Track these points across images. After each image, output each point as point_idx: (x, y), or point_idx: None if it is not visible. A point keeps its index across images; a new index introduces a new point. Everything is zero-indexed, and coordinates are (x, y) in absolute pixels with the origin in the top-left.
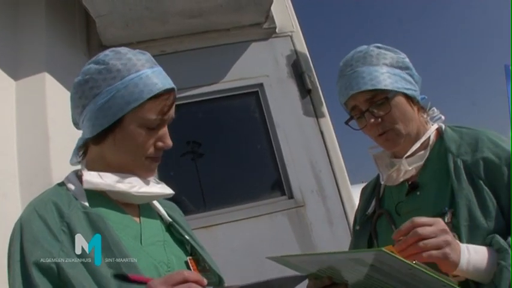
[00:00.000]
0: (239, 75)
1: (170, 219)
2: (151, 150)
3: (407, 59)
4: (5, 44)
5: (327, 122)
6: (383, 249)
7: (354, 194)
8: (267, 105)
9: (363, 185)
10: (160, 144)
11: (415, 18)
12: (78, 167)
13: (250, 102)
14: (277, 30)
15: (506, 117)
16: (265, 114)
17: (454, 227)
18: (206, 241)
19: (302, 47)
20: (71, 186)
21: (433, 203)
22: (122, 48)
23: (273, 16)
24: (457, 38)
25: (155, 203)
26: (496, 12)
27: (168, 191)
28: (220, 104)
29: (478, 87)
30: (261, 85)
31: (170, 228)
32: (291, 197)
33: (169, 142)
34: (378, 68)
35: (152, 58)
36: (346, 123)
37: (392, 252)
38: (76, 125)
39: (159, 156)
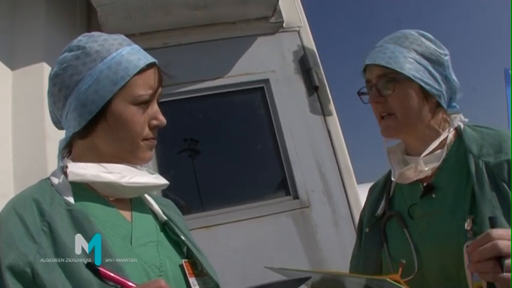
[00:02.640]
0: (244, 70)
1: (165, 217)
2: (146, 130)
3: (446, 57)
4: (2, 33)
5: (334, 121)
6: (387, 278)
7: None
8: (272, 102)
9: (363, 185)
10: (154, 122)
11: (414, 19)
12: None
13: (256, 98)
14: (284, 24)
15: (504, 120)
16: (271, 111)
17: (475, 235)
18: (207, 241)
19: (310, 42)
20: (55, 181)
21: (451, 207)
22: (94, 32)
23: (280, 10)
24: (456, 39)
25: (149, 199)
26: (496, 14)
27: (162, 181)
28: (224, 100)
29: (477, 90)
30: (267, 81)
31: (165, 227)
32: (296, 197)
33: (163, 119)
34: (404, 50)
35: (126, 38)
36: (359, 94)
37: (397, 282)
38: (57, 123)
39: (155, 137)
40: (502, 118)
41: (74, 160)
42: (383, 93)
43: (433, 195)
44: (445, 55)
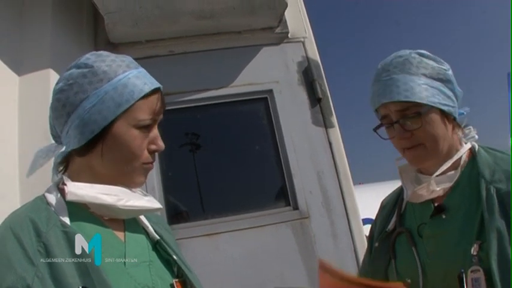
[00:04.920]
0: (249, 80)
1: (157, 237)
2: (145, 154)
3: (450, 72)
4: (9, 39)
5: (335, 133)
6: None
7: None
8: (275, 113)
9: (359, 187)
10: (153, 147)
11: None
12: None
13: (259, 108)
14: (289, 35)
15: (505, 124)
16: (274, 121)
17: (481, 261)
18: (207, 249)
19: (314, 53)
20: (51, 200)
21: (459, 230)
22: (103, 51)
23: (285, 21)
24: (455, 42)
25: (142, 217)
26: (495, 17)
27: (156, 205)
28: (228, 109)
29: (475, 93)
30: (270, 91)
31: (157, 246)
32: (296, 208)
33: (161, 144)
34: (415, 78)
35: (134, 61)
36: (375, 130)
37: None
38: (56, 138)
39: (153, 161)
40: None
41: (71, 177)
42: (409, 128)
43: (443, 216)
44: (448, 70)
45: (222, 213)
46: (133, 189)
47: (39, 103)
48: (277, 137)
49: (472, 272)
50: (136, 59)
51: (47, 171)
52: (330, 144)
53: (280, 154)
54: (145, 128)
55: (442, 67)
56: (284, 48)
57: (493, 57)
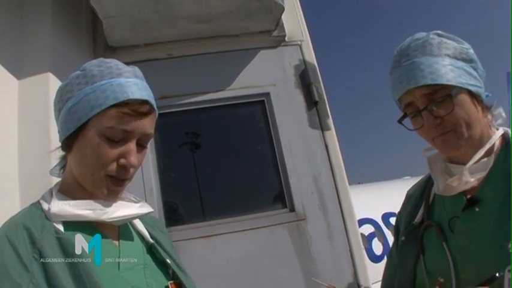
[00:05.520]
0: (246, 83)
1: (152, 241)
2: (112, 166)
3: (471, 50)
4: (8, 43)
5: (332, 135)
6: None
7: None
8: (272, 116)
9: (358, 186)
10: (122, 160)
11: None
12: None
13: (256, 111)
14: (286, 38)
15: (506, 124)
16: (270, 124)
17: None
18: (204, 251)
19: (311, 57)
20: (45, 206)
21: (494, 224)
22: (111, 59)
23: (283, 24)
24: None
25: (137, 221)
26: (495, 17)
27: (146, 210)
28: (225, 112)
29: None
30: (267, 94)
31: (152, 249)
32: (292, 210)
33: (132, 160)
34: (439, 59)
35: (139, 72)
36: (400, 121)
37: None
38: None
39: (123, 177)
40: None
41: (63, 180)
42: (438, 114)
43: (476, 209)
44: (470, 49)
45: (219, 215)
46: (127, 196)
47: (39, 105)
48: (274, 139)
49: (509, 271)
50: (135, 63)
51: (46, 171)
52: (326, 146)
53: (277, 156)
54: (115, 137)
55: (464, 46)
56: (281, 51)
57: (493, 57)
